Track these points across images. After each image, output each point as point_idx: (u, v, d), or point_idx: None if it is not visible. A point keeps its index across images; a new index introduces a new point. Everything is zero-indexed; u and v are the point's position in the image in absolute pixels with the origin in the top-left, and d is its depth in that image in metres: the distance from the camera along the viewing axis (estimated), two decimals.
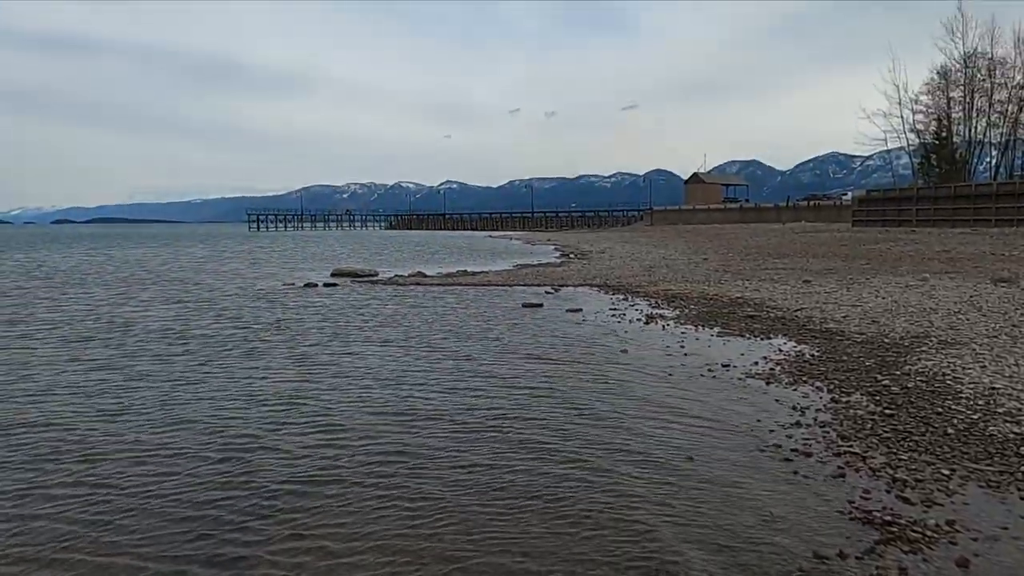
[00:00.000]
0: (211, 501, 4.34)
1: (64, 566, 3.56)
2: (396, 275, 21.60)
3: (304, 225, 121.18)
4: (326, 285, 18.56)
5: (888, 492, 4.25)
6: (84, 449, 5.30)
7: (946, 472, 4.49)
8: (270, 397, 6.86)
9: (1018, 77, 46.72)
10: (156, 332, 10.87)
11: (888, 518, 3.88)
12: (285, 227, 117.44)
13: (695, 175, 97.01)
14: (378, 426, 5.86)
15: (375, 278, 20.73)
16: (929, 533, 3.69)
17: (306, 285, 18.47)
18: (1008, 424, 5.28)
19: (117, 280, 20.89)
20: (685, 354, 8.61)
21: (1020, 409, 5.59)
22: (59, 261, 31.19)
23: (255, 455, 5.16)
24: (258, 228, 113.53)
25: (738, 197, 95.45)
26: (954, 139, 48.74)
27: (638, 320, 11.36)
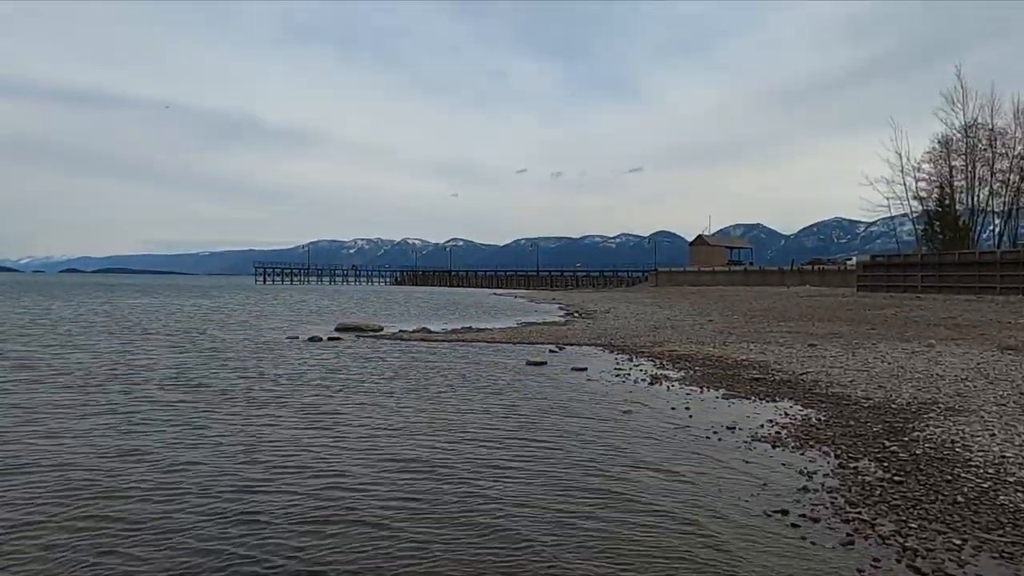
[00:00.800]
0: (206, 539, 4.27)
1: None
2: (401, 330, 21.60)
3: (311, 279, 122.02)
4: (330, 339, 18.57)
5: (899, 561, 4.16)
6: (84, 489, 5.25)
7: (958, 542, 4.40)
8: (268, 447, 6.80)
9: (1019, 147, 47.48)
10: (157, 381, 10.85)
11: None
12: (292, 281, 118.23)
13: (700, 237, 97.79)
14: (374, 479, 5.80)
15: (380, 333, 20.73)
16: None
17: (310, 339, 18.47)
18: (1020, 494, 5.19)
19: (123, 328, 20.92)
20: (690, 415, 8.54)
21: None
22: (63, 308, 31.32)
23: (251, 501, 5.09)
24: (264, 281, 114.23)
25: (742, 260, 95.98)
26: (957, 207, 49.21)
27: (643, 380, 11.30)
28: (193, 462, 6.26)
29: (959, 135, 49.13)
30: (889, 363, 12.24)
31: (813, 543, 4.48)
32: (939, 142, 50.09)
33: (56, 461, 6.23)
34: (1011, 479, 5.54)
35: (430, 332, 20.88)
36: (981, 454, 6.29)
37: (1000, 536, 4.48)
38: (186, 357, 14.19)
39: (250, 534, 4.60)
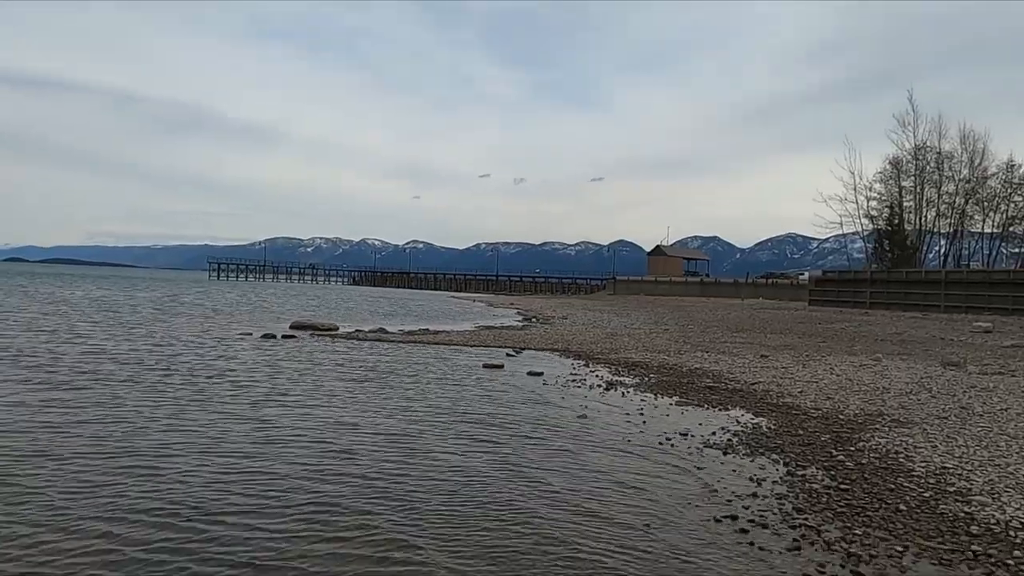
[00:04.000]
0: (145, 541, 4.14)
1: None
2: (357, 330, 21.37)
3: (266, 277, 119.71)
4: (284, 336, 18.27)
5: (843, 567, 4.24)
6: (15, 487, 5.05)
7: (899, 548, 4.51)
8: (214, 446, 6.64)
9: (964, 171, 49.18)
10: (101, 375, 10.53)
11: None
12: (247, 277, 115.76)
13: (658, 247, 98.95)
14: (319, 481, 5.71)
15: (335, 332, 20.47)
16: None
17: (264, 336, 18.14)
18: (958, 503, 5.34)
19: (63, 321, 20.26)
20: (644, 421, 8.61)
21: (969, 489, 5.67)
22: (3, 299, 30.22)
23: (196, 499, 4.96)
24: (219, 277, 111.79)
25: (699, 271, 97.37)
26: (906, 227, 50.68)
27: (598, 386, 11.35)
28: (127, 464, 6.07)
29: (909, 156, 50.72)
30: (838, 375, 12.52)
31: (761, 548, 4.54)
32: (890, 163, 51.58)
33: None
34: (951, 489, 5.70)
35: (386, 332, 20.70)
36: (923, 464, 6.46)
37: (939, 543, 4.60)
38: (129, 352, 13.80)
39: (194, 524, 4.49)
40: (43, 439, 6.62)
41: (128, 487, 5.31)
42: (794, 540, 4.66)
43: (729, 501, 5.51)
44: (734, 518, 5.10)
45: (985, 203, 48.40)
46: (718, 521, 5.05)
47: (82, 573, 3.90)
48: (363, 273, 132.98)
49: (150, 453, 6.30)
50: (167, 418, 7.81)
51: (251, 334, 18.59)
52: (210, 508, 4.95)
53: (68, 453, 6.18)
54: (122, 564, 4.02)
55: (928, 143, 49.89)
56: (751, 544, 4.60)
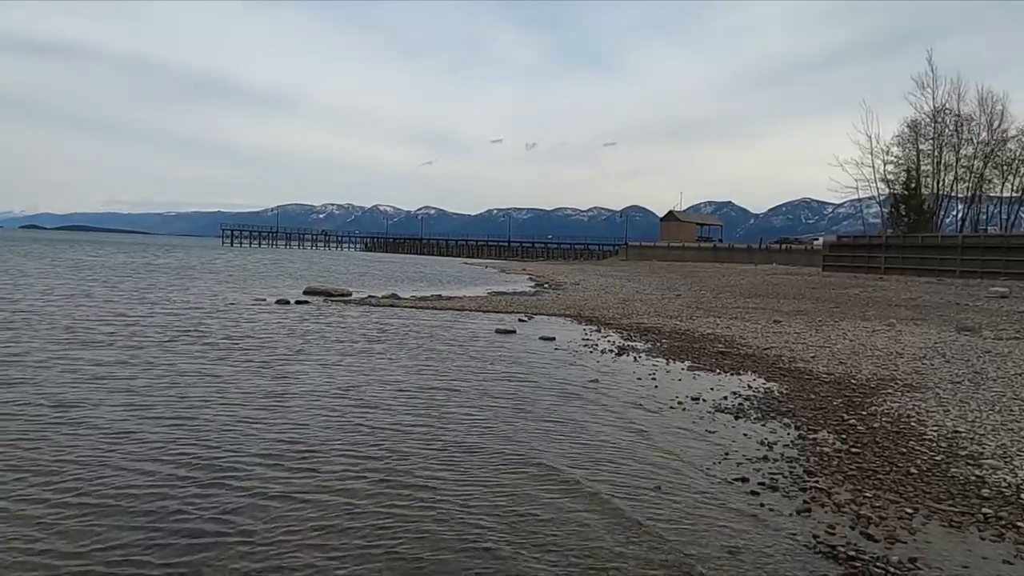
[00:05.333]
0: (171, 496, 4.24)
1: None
2: (370, 295, 21.46)
3: (279, 243, 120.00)
4: (298, 302, 18.38)
5: (852, 528, 4.27)
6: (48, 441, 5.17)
7: (909, 511, 4.54)
8: (229, 408, 6.74)
9: (983, 134, 48.29)
10: (119, 339, 10.66)
11: (852, 553, 3.89)
12: (260, 244, 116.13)
13: (671, 213, 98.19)
14: (335, 439, 5.79)
15: (348, 298, 20.57)
16: (892, 570, 3.71)
17: (277, 301, 18.26)
18: (970, 467, 5.36)
19: (91, 286, 20.46)
20: (656, 386, 8.64)
21: (981, 453, 5.68)
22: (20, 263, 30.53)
23: (216, 458, 5.06)
24: (232, 244, 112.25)
25: (712, 237, 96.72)
26: (923, 191, 49.96)
27: (610, 351, 11.39)
28: (144, 428, 6.19)
29: (927, 119, 49.77)
30: (851, 340, 12.48)
31: (771, 510, 4.58)
32: (908, 126, 50.63)
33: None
34: (963, 453, 5.71)
35: (399, 298, 20.78)
36: (935, 429, 6.47)
37: (950, 506, 4.63)
38: (145, 316, 13.95)
39: (215, 477, 4.58)
40: (84, 389, 6.74)
41: (162, 433, 5.42)
42: (804, 503, 4.69)
43: (740, 464, 5.55)
44: (745, 480, 5.14)
45: (1004, 167, 47.61)
46: (729, 483, 5.09)
47: (118, 506, 3.99)
48: (375, 239, 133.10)
49: (177, 405, 6.42)
50: (188, 374, 7.92)
51: (265, 299, 18.73)
52: (235, 452, 5.09)
53: (112, 403, 6.30)
54: (160, 497, 4.11)
55: (947, 105, 48.94)
56: (761, 506, 4.65)
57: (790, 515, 4.50)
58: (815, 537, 4.14)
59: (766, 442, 6.15)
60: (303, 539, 3.93)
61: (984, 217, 49.39)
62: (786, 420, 6.94)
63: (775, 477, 5.22)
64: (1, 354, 9.07)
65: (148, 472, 4.91)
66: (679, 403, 7.69)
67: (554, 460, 5.54)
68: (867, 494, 4.83)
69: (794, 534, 4.20)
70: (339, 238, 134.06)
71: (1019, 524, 4.30)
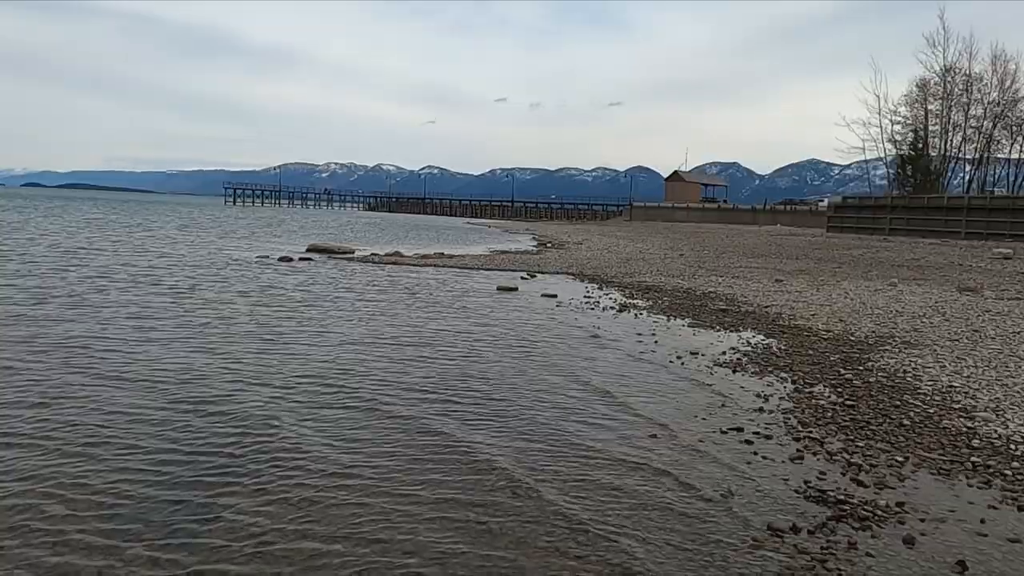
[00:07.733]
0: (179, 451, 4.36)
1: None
2: (373, 253, 21.51)
3: (282, 202, 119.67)
4: (301, 259, 18.45)
5: (843, 475, 4.38)
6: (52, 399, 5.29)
7: (900, 459, 4.64)
8: (233, 362, 6.85)
9: (993, 94, 47.62)
10: (121, 292, 10.76)
11: (841, 497, 4.01)
12: (263, 202, 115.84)
13: (676, 173, 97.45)
14: (337, 392, 5.90)
15: (351, 255, 20.63)
16: (880, 513, 3.83)
17: (281, 259, 18.33)
18: (962, 419, 5.45)
19: (85, 243, 20.55)
20: (656, 341, 8.73)
21: (974, 406, 5.77)
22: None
23: (218, 414, 5.18)
24: (235, 202, 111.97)
25: (717, 197, 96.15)
26: (930, 152, 49.51)
27: (611, 308, 11.47)
28: (151, 379, 6.30)
29: (937, 78, 49.04)
30: (851, 299, 12.54)
31: (764, 457, 4.69)
32: (917, 85, 49.96)
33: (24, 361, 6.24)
34: (956, 406, 5.80)
35: (402, 256, 20.83)
36: (930, 383, 6.55)
37: (940, 455, 4.73)
38: (149, 274, 14.04)
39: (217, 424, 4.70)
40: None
41: (175, 383, 5.54)
42: (797, 451, 4.80)
43: (735, 415, 5.65)
44: (739, 430, 5.25)
45: (1014, 127, 47.01)
46: (723, 433, 5.20)
47: (139, 449, 4.12)
48: (378, 199, 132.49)
49: (185, 351, 6.53)
50: (196, 325, 8.03)
51: (268, 256, 18.79)
52: (243, 397, 5.20)
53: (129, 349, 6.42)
54: (185, 446, 4.23)
55: (958, 65, 48.18)
56: (755, 454, 4.75)
57: (783, 462, 4.61)
58: (806, 482, 4.25)
59: (762, 395, 6.25)
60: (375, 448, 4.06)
61: (992, 179, 48.99)
62: (783, 374, 7.03)
63: (770, 427, 5.32)
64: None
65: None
66: (678, 357, 7.78)
67: (551, 410, 5.65)
68: (859, 444, 4.93)
69: (786, 479, 4.31)
70: (342, 197, 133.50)
71: (1006, 472, 4.41)
